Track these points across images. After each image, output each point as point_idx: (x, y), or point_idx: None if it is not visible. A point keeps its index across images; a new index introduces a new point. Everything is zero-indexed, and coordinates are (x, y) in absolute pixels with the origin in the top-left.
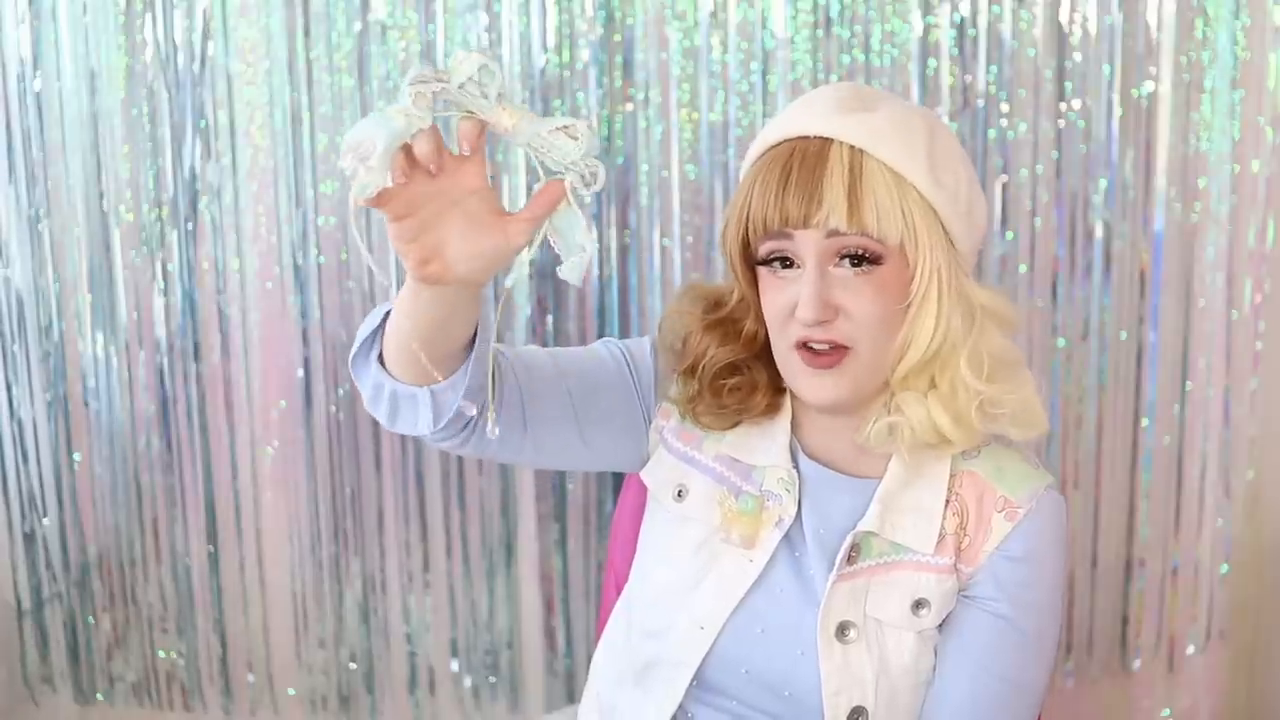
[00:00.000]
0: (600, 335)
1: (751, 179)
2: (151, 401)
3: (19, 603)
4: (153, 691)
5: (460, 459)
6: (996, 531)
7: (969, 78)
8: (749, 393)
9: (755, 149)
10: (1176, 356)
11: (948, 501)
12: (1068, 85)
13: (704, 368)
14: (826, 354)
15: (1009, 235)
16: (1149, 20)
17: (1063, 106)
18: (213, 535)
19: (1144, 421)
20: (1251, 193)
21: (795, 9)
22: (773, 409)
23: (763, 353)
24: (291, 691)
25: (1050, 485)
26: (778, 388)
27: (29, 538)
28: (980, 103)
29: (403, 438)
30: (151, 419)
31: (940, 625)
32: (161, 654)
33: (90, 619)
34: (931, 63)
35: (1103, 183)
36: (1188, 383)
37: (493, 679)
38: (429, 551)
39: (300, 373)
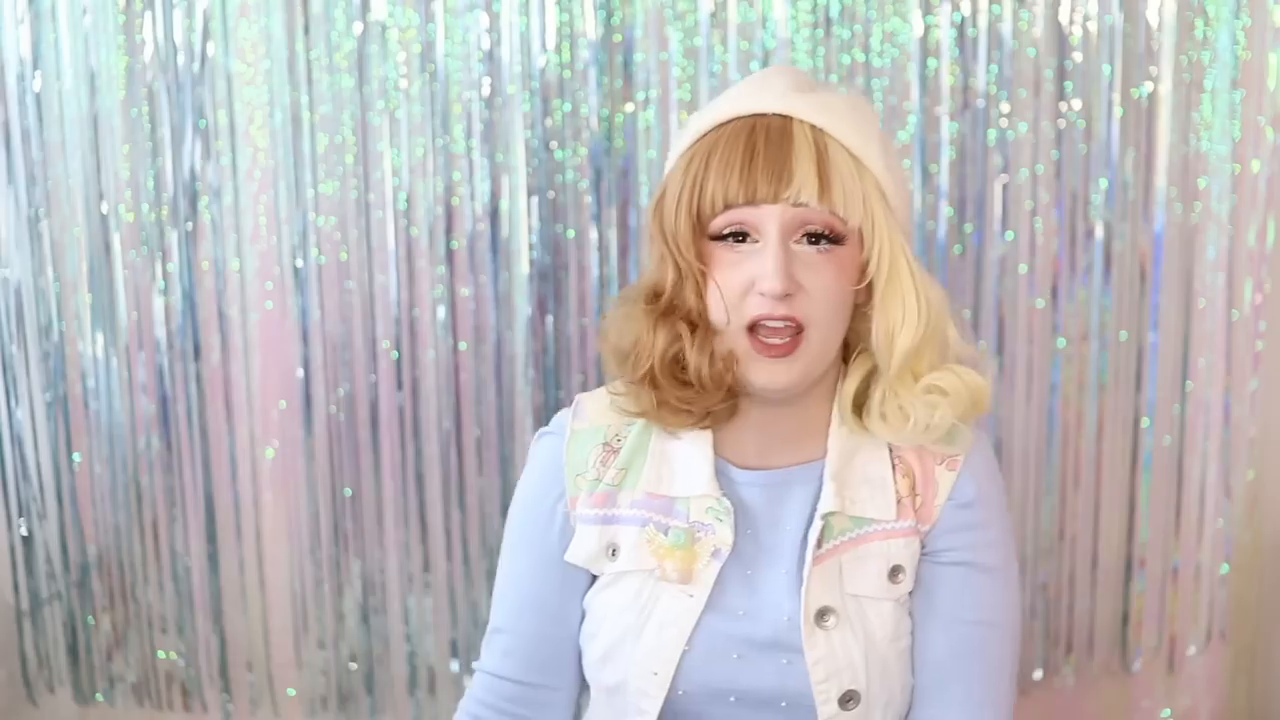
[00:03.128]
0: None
1: (704, 155)
2: (151, 401)
3: (19, 603)
4: (153, 691)
5: (460, 460)
6: (943, 484)
7: (969, 78)
8: (700, 378)
9: (699, 125)
10: (1176, 356)
11: (894, 466)
12: (1068, 85)
13: (662, 361)
14: (781, 344)
15: (1009, 235)
16: (1149, 20)
17: (1063, 106)
18: (213, 535)
19: (1144, 421)
20: (1251, 193)
21: (795, 9)
22: (724, 380)
23: (709, 331)
24: (291, 691)
25: (973, 426)
26: (725, 366)
27: (29, 538)
28: (980, 103)
29: (403, 437)
30: (151, 419)
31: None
32: (161, 654)
33: (90, 619)
34: (931, 63)
35: (1103, 183)
36: (1188, 383)
37: None
38: (429, 552)
39: (300, 373)
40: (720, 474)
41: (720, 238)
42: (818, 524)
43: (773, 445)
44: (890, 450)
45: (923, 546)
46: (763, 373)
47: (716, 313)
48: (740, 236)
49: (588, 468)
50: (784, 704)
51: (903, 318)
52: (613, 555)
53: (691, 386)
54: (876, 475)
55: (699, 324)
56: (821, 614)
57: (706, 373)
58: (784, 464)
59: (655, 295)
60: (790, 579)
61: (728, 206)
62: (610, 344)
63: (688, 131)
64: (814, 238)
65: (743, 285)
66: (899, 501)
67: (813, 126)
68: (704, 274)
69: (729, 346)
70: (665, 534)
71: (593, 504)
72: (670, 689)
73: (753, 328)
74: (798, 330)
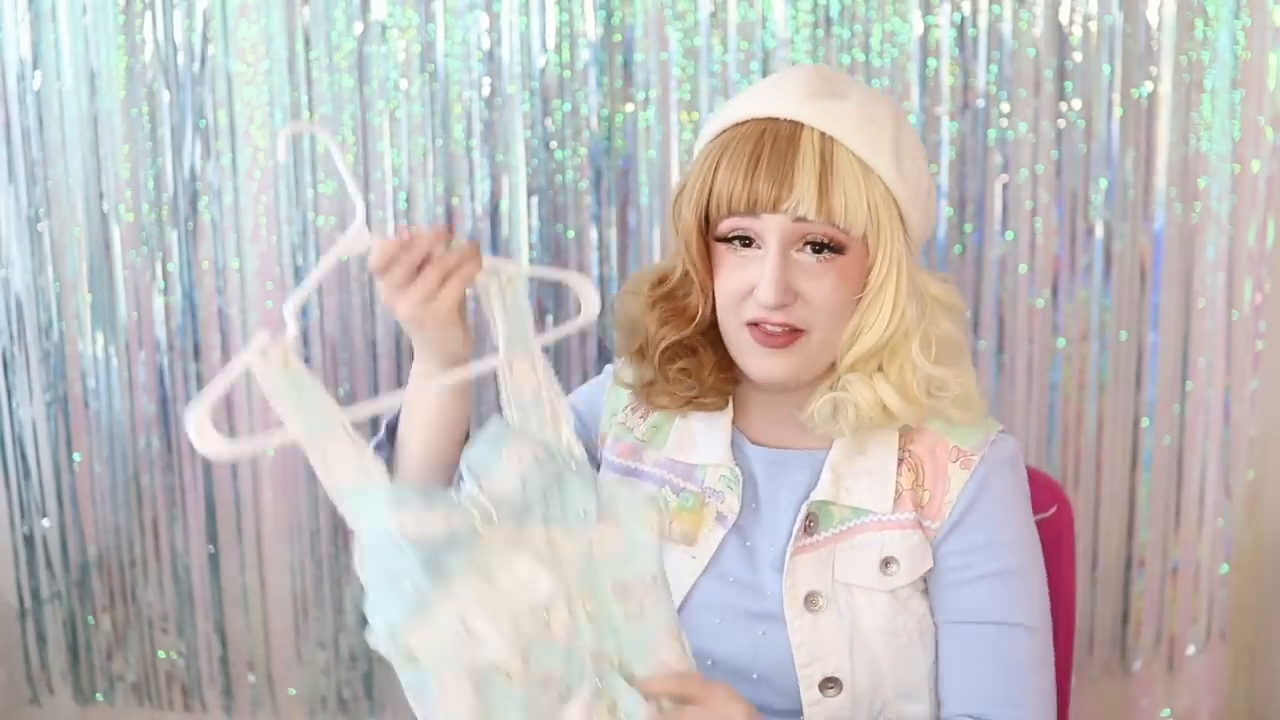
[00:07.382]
0: (600, 335)
1: (716, 154)
2: (151, 401)
3: (19, 603)
4: (153, 691)
5: None
6: (955, 481)
7: (969, 78)
8: (698, 373)
9: (717, 124)
10: (1176, 356)
11: (901, 460)
12: (1068, 85)
13: (653, 349)
14: (780, 335)
15: (1009, 235)
16: (1149, 20)
17: (1063, 106)
18: (213, 535)
19: (1144, 421)
20: (1251, 193)
21: (795, 9)
22: (723, 387)
23: (710, 330)
24: (291, 691)
25: (1001, 431)
26: (725, 368)
27: (29, 538)
28: (980, 103)
29: None
30: (151, 419)
31: (921, 588)
32: (161, 654)
33: (90, 619)
34: (931, 63)
35: (1103, 183)
36: (1188, 383)
37: None
38: None
39: None
40: (735, 445)
41: (726, 240)
42: (803, 511)
43: (783, 426)
44: (900, 444)
45: (936, 558)
46: (760, 365)
47: (720, 312)
48: (745, 241)
49: (619, 411)
50: (756, 676)
51: (872, 323)
52: None
53: (681, 377)
54: (879, 467)
55: (697, 320)
56: (811, 598)
57: (707, 377)
58: (793, 445)
59: (660, 281)
60: (783, 558)
61: (731, 213)
62: (616, 319)
63: (711, 125)
64: (816, 246)
65: (743, 288)
66: (898, 494)
67: (822, 134)
68: (708, 276)
69: (730, 339)
70: (676, 495)
71: (618, 453)
72: None
73: (753, 321)
74: (798, 331)
